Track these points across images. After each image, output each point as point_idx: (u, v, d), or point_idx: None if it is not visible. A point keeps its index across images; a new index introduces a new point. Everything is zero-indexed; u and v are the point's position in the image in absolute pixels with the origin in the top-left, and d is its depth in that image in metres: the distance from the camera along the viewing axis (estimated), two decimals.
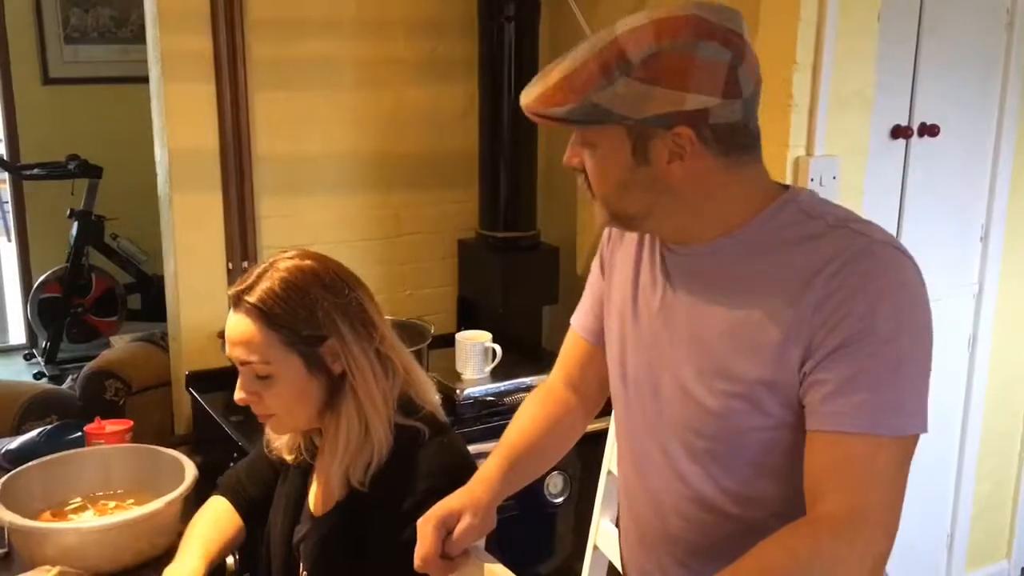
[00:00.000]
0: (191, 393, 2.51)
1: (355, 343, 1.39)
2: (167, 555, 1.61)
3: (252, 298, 1.37)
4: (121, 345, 3.42)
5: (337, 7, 2.59)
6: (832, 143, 2.16)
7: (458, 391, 2.35)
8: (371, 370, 1.40)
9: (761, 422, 1.15)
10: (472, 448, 1.59)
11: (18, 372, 4.71)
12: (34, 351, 4.85)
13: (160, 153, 2.56)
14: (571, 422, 1.45)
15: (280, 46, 2.52)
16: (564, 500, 2.35)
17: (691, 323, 1.20)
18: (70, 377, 3.73)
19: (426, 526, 1.20)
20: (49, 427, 2.15)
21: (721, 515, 1.21)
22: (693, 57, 1.07)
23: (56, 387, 3.46)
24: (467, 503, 1.23)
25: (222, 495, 1.64)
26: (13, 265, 5.00)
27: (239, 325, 1.39)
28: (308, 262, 1.42)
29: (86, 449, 1.88)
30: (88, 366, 3.11)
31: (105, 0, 4.69)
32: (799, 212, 1.16)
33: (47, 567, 1.51)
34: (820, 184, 2.12)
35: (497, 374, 2.42)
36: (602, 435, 1.85)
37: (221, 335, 2.51)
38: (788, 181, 2.09)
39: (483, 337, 2.43)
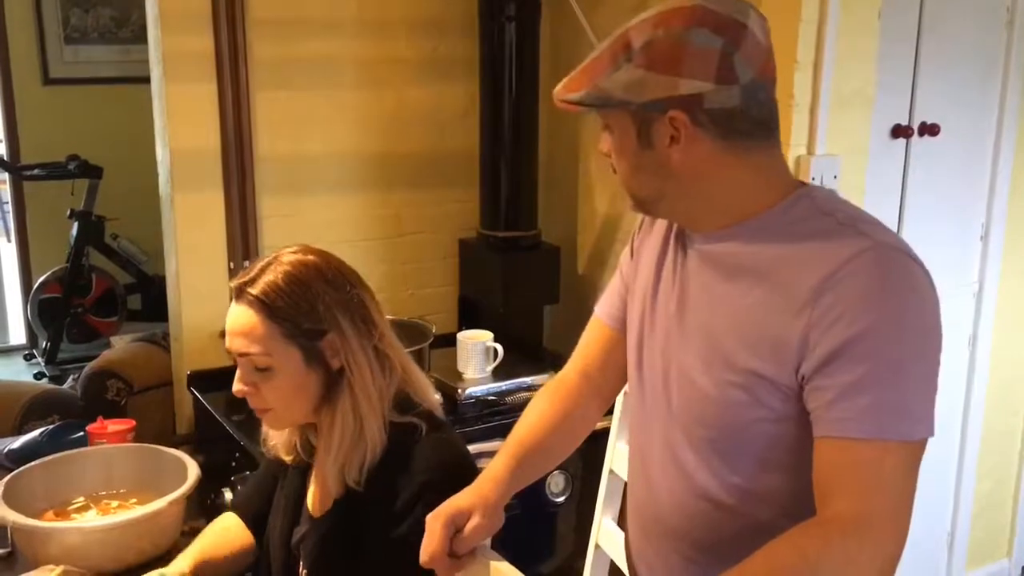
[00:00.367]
0: (193, 393, 2.52)
1: (354, 339, 1.40)
2: (170, 555, 1.61)
3: (255, 290, 1.38)
4: (122, 345, 3.42)
5: (338, 7, 2.59)
6: (833, 142, 2.17)
7: (460, 391, 2.35)
8: (368, 367, 1.41)
9: (762, 414, 1.15)
10: (473, 448, 1.59)
11: (18, 372, 4.71)
12: (34, 351, 4.85)
13: (162, 153, 2.56)
14: (582, 416, 1.44)
15: (281, 46, 2.53)
16: (566, 499, 2.36)
17: (700, 312, 1.21)
18: (71, 377, 3.74)
19: (435, 523, 1.20)
20: (51, 427, 2.15)
21: (726, 510, 1.21)
22: (684, 44, 1.11)
23: (58, 387, 3.46)
24: (476, 502, 1.23)
25: (233, 511, 1.65)
26: (13, 265, 5.00)
27: (241, 316, 1.39)
28: (311, 257, 1.43)
29: (89, 449, 1.88)
30: (90, 366, 3.11)
31: (105, 0, 4.69)
32: (812, 208, 1.16)
33: (50, 566, 1.51)
34: (821, 183, 2.12)
35: (498, 374, 2.42)
36: (604, 434, 1.85)
37: (223, 335, 2.54)
38: None
39: (484, 336, 2.43)
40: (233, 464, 2.18)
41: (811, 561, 1.03)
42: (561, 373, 1.48)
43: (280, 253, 1.43)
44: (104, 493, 1.77)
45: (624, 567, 1.66)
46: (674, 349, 1.24)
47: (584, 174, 2.81)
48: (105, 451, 1.85)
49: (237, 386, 1.43)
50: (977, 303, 2.75)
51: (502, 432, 2.18)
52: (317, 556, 1.47)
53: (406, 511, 1.37)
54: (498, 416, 2.33)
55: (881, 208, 2.39)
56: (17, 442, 2.09)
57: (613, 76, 1.13)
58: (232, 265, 2.54)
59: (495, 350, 2.42)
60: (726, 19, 1.12)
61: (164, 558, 1.60)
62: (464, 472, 1.43)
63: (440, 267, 2.87)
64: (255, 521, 1.62)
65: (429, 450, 1.41)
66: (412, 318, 2.55)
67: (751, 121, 1.15)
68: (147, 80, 2.59)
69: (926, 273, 1.11)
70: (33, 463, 1.74)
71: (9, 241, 5.48)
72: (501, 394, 2.39)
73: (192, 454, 1.78)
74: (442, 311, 2.85)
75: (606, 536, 1.78)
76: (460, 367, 2.43)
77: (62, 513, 1.71)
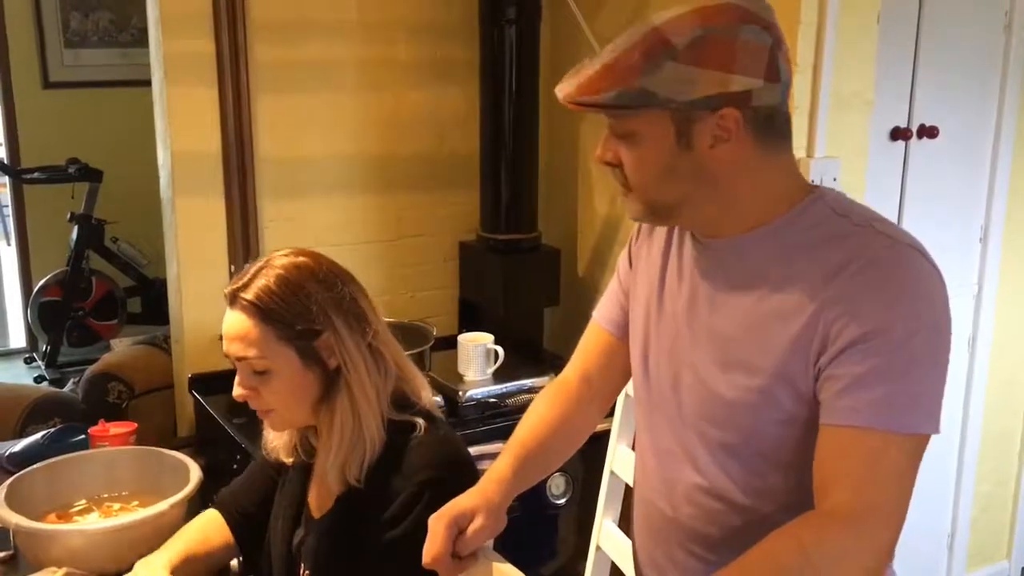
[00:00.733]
0: (194, 395, 2.52)
1: (349, 337, 1.41)
2: None
3: (248, 295, 1.39)
4: (123, 348, 3.43)
5: (339, 10, 2.59)
6: (832, 145, 2.17)
7: (460, 393, 2.35)
8: (364, 364, 1.42)
9: (776, 416, 1.16)
10: (474, 450, 1.59)
11: (18, 376, 4.71)
12: (34, 355, 4.85)
13: (162, 156, 2.57)
14: (583, 419, 1.45)
15: (282, 49, 2.53)
16: (566, 501, 2.36)
17: (713, 316, 1.21)
18: (72, 380, 3.74)
19: (438, 524, 1.21)
20: (52, 430, 2.15)
21: (733, 506, 1.23)
22: (736, 40, 1.10)
23: (59, 390, 3.46)
24: (479, 504, 1.24)
25: (215, 508, 1.64)
26: (13, 269, 5.00)
27: (236, 322, 1.40)
28: (302, 259, 1.44)
29: (91, 451, 1.88)
30: (91, 369, 3.12)
31: (105, 4, 4.70)
32: (827, 210, 1.17)
33: (53, 569, 1.51)
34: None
35: (499, 376, 2.43)
36: (604, 436, 1.85)
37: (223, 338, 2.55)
38: None
39: (485, 339, 2.44)
40: (235, 467, 2.18)
41: (809, 553, 1.05)
42: (561, 376, 1.49)
43: (271, 257, 1.44)
44: (106, 495, 1.77)
45: (625, 569, 1.66)
46: (684, 353, 1.25)
47: (584, 176, 2.81)
48: (107, 454, 1.85)
49: (237, 390, 1.44)
50: (976, 305, 2.75)
51: (503, 434, 2.18)
52: (318, 556, 1.47)
53: (407, 509, 1.37)
54: (499, 418, 2.33)
55: (880, 210, 2.34)
56: (19, 445, 2.09)
57: (654, 74, 1.09)
58: (233, 268, 2.54)
59: (496, 352, 2.42)
60: (765, 18, 1.12)
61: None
62: (463, 470, 1.44)
63: (440, 269, 2.87)
64: (240, 522, 1.61)
65: (429, 448, 1.42)
66: (412, 321, 2.55)
67: (784, 120, 1.16)
68: (147, 83, 2.59)
69: (940, 273, 1.13)
70: (35, 466, 1.74)
71: (9, 244, 5.49)
72: (502, 396, 2.39)
73: (193, 456, 1.78)
74: (442, 313, 2.86)
75: (607, 538, 1.78)
76: (461, 369, 2.43)
77: (64, 516, 1.71)
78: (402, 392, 1.47)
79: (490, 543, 1.29)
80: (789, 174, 1.20)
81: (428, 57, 2.73)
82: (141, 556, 1.59)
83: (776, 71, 1.13)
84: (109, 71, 4.68)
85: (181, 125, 2.47)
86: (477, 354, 2.41)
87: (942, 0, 2.44)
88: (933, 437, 1.11)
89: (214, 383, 2.48)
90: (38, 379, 4.55)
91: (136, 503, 1.74)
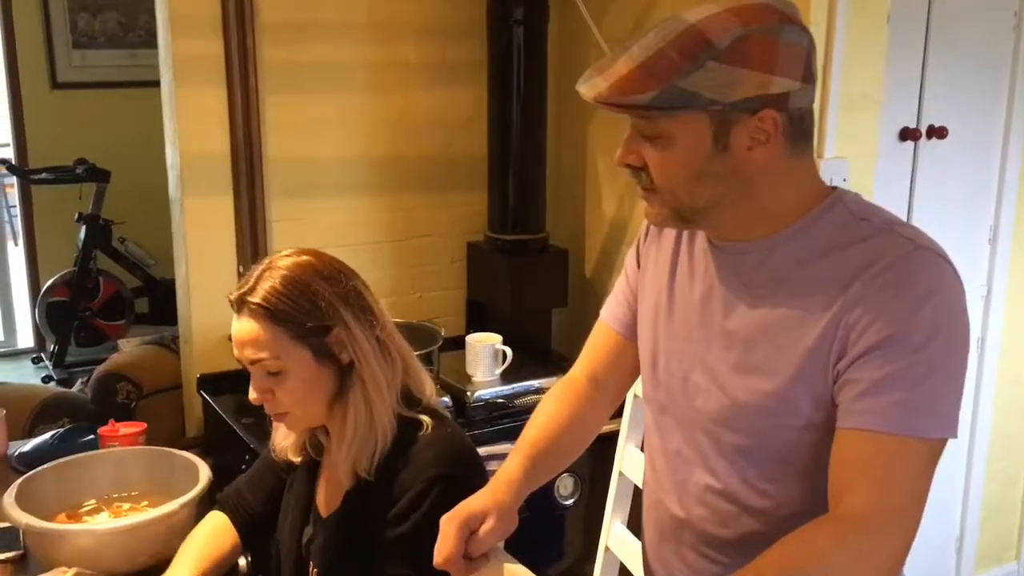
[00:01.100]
0: (202, 396, 2.52)
1: (358, 330, 1.41)
2: None
3: (255, 298, 1.39)
4: (132, 348, 3.43)
5: (347, 11, 2.59)
6: (842, 145, 2.17)
7: (468, 393, 2.35)
8: (374, 357, 1.42)
9: (792, 421, 1.16)
10: (482, 451, 1.59)
11: (26, 376, 4.72)
12: (42, 355, 4.87)
13: (171, 157, 2.57)
14: (592, 417, 1.45)
15: (291, 50, 2.54)
16: (574, 502, 2.36)
17: (729, 319, 1.21)
18: (80, 380, 3.74)
19: (449, 526, 1.21)
20: (61, 430, 2.16)
21: (745, 508, 1.22)
22: (778, 40, 1.09)
23: (67, 390, 3.47)
24: (491, 505, 1.23)
25: (220, 510, 1.64)
26: (21, 269, 5.01)
27: (245, 326, 1.40)
28: (305, 257, 1.44)
29: (100, 451, 1.89)
30: (99, 369, 3.12)
31: (113, 5, 4.71)
32: (847, 213, 1.17)
33: (63, 569, 1.52)
34: None
35: (507, 376, 2.43)
36: (613, 437, 1.85)
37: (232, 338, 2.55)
38: None
39: (493, 339, 2.43)
40: (243, 466, 2.17)
41: (822, 558, 1.05)
42: (568, 376, 1.49)
43: (273, 259, 1.44)
44: (116, 496, 1.78)
45: (635, 570, 1.66)
46: (697, 355, 1.25)
47: (592, 177, 2.81)
48: (116, 454, 1.85)
49: (253, 394, 1.44)
50: (985, 306, 2.74)
51: (511, 435, 2.18)
52: (326, 553, 1.47)
53: (415, 505, 1.37)
54: (507, 419, 2.33)
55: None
56: (28, 445, 2.10)
57: (696, 75, 1.07)
58: (241, 269, 2.54)
59: (504, 353, 2.42)
60: (799, 18, 1.12)
61: (173, 561, 1.60)
62: (472, 467, 1.45)
63: (448, 270, 2.87)
64: (246, 521, 1.62)
65: (437, 444, 1.42)
66: (420, 321, 2.55)
67: (811, 123, 1.16)
68: (155, 84, 2.59)
69: (959, 277, 1.13)
70: (45, 466, 1.75)
71: (17, 245, 5.50)
72: (510, 397, 2.39)
73: (201, 456, 1.79)
74: (450, 314, 2.86)
75: (616, 539, 1.78)
76: (469, 370, 2.43)
77: (74, 516, 1.72)
78: (408, 388, 1.48)
79: (501, 544, 1.29)
80: (812, 176, 1.19)
81: (436, 58, 2.73)
82: (151, 556, 1.60)
83: (811, 73, 1.12)
84: (117, 72, 4.69)
85: (190, 126, 2.48)
86: (485, 355, 2.41)
87: (951, 0, 2.43)
88: (956, 438, 1.11)
89: (222, 383, 2.48)
90: (45, 379, 4.56)
91: (146, 503, 1.75)
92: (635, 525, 1.61)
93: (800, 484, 1.18)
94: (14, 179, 4.95)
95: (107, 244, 4.56)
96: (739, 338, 1.19)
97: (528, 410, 2.29)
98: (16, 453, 2.07)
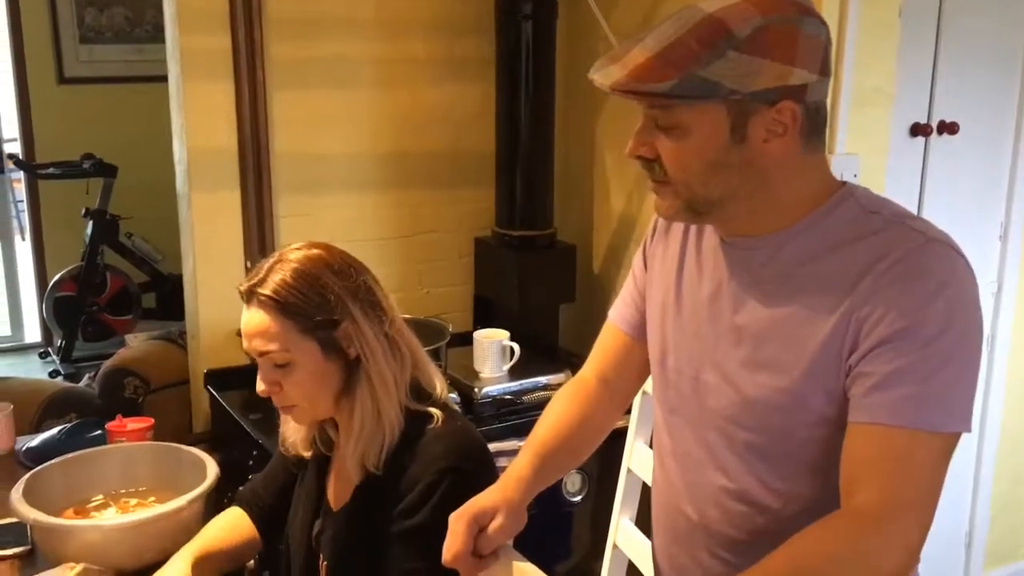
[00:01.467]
0: (210, 391, 2.52)
1: (367, 325, 1.41)
2: None
3: (265, 290, 1.39)
4: (139, 343, 3.43)
5: (355, 6, 2.59)
6: (853, 141, 2.16)
7: (476, 389, 2.35)
8: (382, 352, 1.42)
9: (805, 417, 1.15)
10: (491, 447, 1.58)
11: (33, 370, 4.73)
12: (49, 350, 4.88)
13: (179, 152, 2.57)
14: (601, 418, 1.44)
15: (298, 45, 2.53)
16: (582, 499, 2.35)
17: (739, 315, 1.20)
18: (87, 375, 3.75)
19: (459, 523, 1.20)
20: (69, 425, 2.16)
21: (758, 508, 1.21)
22: (799, 31, 1.08)
23: (75, 385, 3.47)
24: (500, 502, 1.23)
25: (238, 506, 1.65)
26: (28, 264, 5.02)
27: (255, 318, 1.40)
28: (316, 251, 1.44)
29: (108, 447, 1.88)
30: (107, 364, 3.13)
31: (119, 0, 4.71)
32: (857, 207, 1.16)
33: (70, 564, 1.51)
34: None
35: (515, 372, 2.42)
36: (621, 434, 1.84)
37: (240, 333, 2.55)
38: None
39: (501, 335, 2.43)
40: (250, 462, 2.18)
41: (833, 556, 1.04)
42: (578, 376, 1.48)
43: (284, 251, 1.44)
44: (123, 491, 1.78)
45: (643, 568, 1.65)
46: (707, 353, 1.24)
47: (600, 173, 2.80)
48: (124, 449, 1.85)
49: (261, 386, 1.44)
50: (996, 303, 2.73)
51: (519, 431, 2.18)
52: (336, 546, 1.47)
53: (425, 497, 1.37)
54: (515, 416, 2.32)
55: None
56: (35, 440, 2.10)
57: (716, 64, 1.05)
58: (249, 264, 2.54)
59: (512, 349, 2.41)
60: (816, 11, 1.11)
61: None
62: (482, 460, 1.45)
63: (456, 266, 2.86)
64: (262, 516, 1.62)
65: (447, 438, 1.42)
66: (428, 317, 2.55)
67: (825, 116, 1.15)
68: (162, 79, 2.59)
69: (972, 270, 1.12)
70: (52, 461, 1.75)
71: (24, 240, 5.51)
72: (518, 393, 2.38)
73: (209, 452, 1.79)
74: (458, 310, 2.85)
75: (624, 536, 1.77)
76: (476, 366, 2.42)
77: (81, 511, 1.71)
78: (418, 382, 1.48)
79: (510, 542, 1.28)
80: (823, 171, 1.18)
81: (444, 53, 2.72)
82: (158, 552, 1.60)
83: (828, 66, 1.12)
84: (124, 67, 4.69)
85: (197, 121, 2.47)
86: (493, 351, 2.40)
87: None
88: (969, 432, 1.10)
89: (230, 378, 2.48)
90: (53, 374, 4.57)
91: (153, 499, 1.75)
92: (643, 522, 1.60)
93: (814, 482, 1.17)
94: (21, 174, 4.96)
95: (114, 239, 4.56)
96: (749, 334, 1.18)
97: (536, 406, 2.31)
98: (23, 448, 2.07)
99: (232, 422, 2.34)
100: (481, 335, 2.44)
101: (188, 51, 2.43)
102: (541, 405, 2.27)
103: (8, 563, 1.65)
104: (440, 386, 1.51)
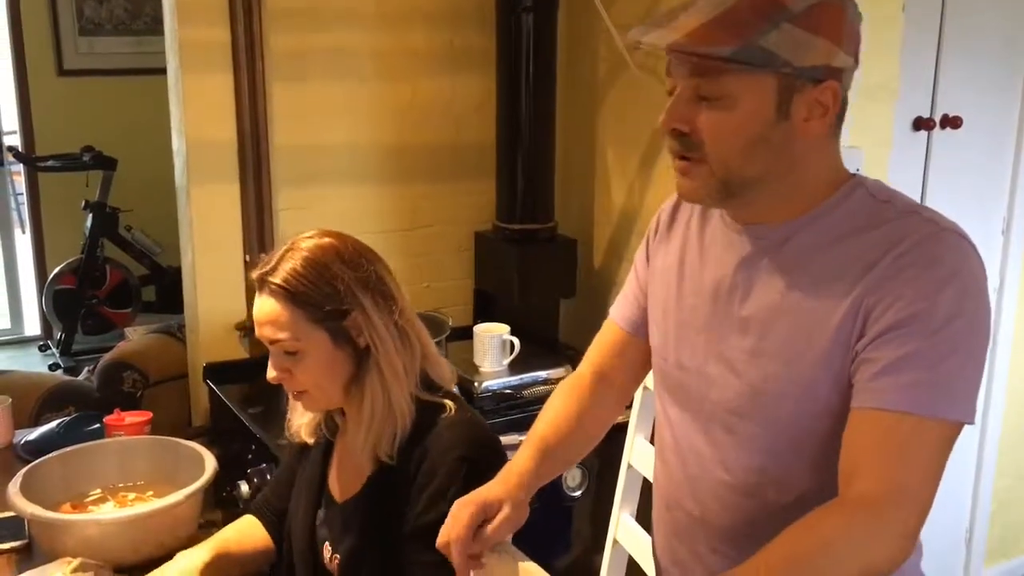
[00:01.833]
0: (209, 385, 2.51)
1: (377, 316, 1.41)
2: (187, 547, 1.60)
3: (276, 279, 1.39)
4: (138, 337, 3.43)
5: None
6: (856, 135, 2.14)
7: (476, 384, 2.34)
8: (392, 342, 1.42)
9: (810, 407, 1.14)
10: None
11: (33, 363, 4.72)
12: (49, 342, 4.87)
13: (177, 144, 2.56)
14: (600, 413, 1.44)
15: (298, 37, 2.52)
16: (582, 494, 2.34)
17: (745, 305, 1.19)
18: (86, 368, 3.75)
19: (463, 509, 1.19)
20: (67, 418, 2.15)
21: (760, 502, 1.21)
22: (845, 14, 1.09)
23: (74, 379, 3.47)
24: (504, 495, 1.22)
25: (251, 514, 1.65)
26: (28, 257, 5.02)
27: (266, 306, 1.41)
28: (327, 239, 1.44)
29: (106, 441, 1.88)
30: (106, 357, 3.12)
31: None
32: (868, 197, 1.16)
33: (68, 559, 1.51)
34: None
35: (515, 367, 2.41)
36: (622, 429, 1.84)
37: (239, 327, 2.54)
38: None
39: (501, 330, 2.42)
40: (249, 456, 2.17)
41: (831, 544, 1.04)
42: (576, 372, 1.48)
43: (297, 239, 1.45)
44: (121, 485, 1.77)
45: (643, 563, 1.65)
46: (713, 345, 1.23)
47: (601, 166, 2.79)
48: (122, 443, 1.84)
49: (271, 373, 1.44)
50: (998, 298, 2.72)
51: (519, 426, 2.17)
52: (347, 537, 1.46)
53: (445, 488, 1.37)
54: (515, 410, 2.31)
55: None
56: (34, 434, 2.09)
57: (772, 34, 1.05)
58: (248, 257, 2.53)
59: (512, 343, 2.41)
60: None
61: (181, 550, 1.59)
62: (496, 449, 1.45)
63: (456, 260, 2.86)
64: (275, 523, 1.62)
65: (461, 427, 1.42)
66: (428, 311, 2.54)
67: (847, 104, 1.15)
68: (162, 71, 2.58)
69: (982, 261, 1.12)
70: (50, 455, 1.74)
71: (24, 232, 5.50)
72: (518, 387, 2.37)
73: (207, 446, 1.78)
74: (458, 304, 2.85)
75: (624, 531, 1.77)
76: (476, 360, 2.42)
77: (79, 505, 1.71)
78: (426, 374, 1.48)
79: (509, 538, 1.27)
80: (839, 160, 1.19)
81: (444, 46, 2.71)
82: (156, 546, 1.59)
83: (859, 56, 1.12)
84: (123, 59, 4.68)
85: (196, 113, 2.46)
86: (493, 345, 2.40)
87: None
88: (972, 424, 1.09)
89: (229, 372, 2.48)
90: (52, 367, 4.56)
91: (151, 493, 1.74)
92: (644, 518, 1.59)
93: (815, 475, 1.17)
94: (21, 166, 4.95)
95: (114, 232, 4.56)
96: (757, 324, 1.18)
97: (536, 401, 2.30)
98: (22, 442, 2.06)
99: (231, 416, 2.33)
100: (481, 329, 2.43)
101: (187, 43, 2.41)
102: (541, 400, 2.27)
103: (5, 557, 1.64)
104: (449, 377, 1.52)
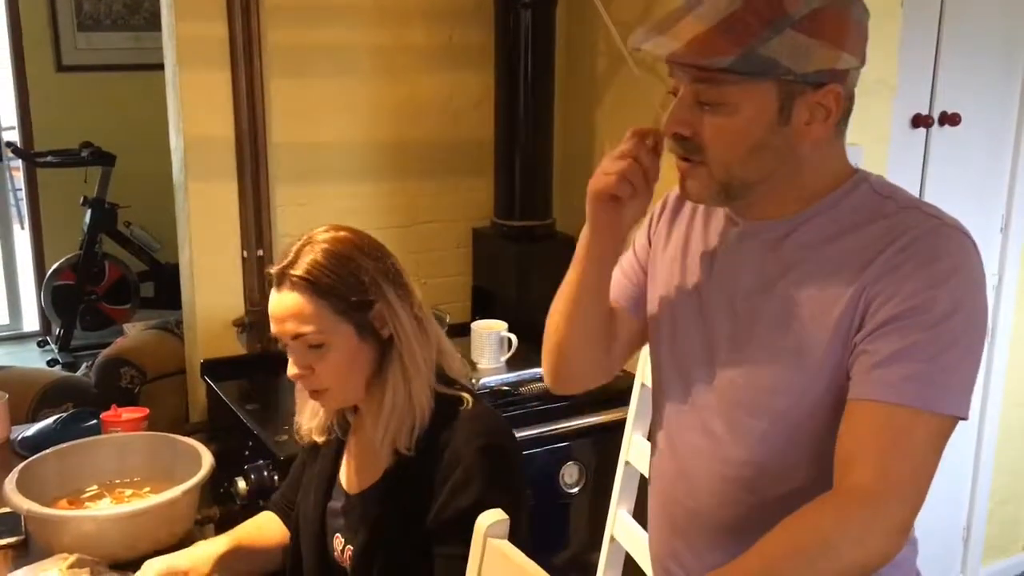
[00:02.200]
0: (206, 381, 2.51)
1: (399, 306, 1.41)
2: (184, 543, 1.61)
3: (298, 271, 1.37)
4: (136, 333, 3.43)
5: None
6: (855, 132, 2.11)
7: (474, 380, 2.33)
8: (413, 333, 1.42)
9: (812, 399, 1.15)
10: None
11: (32, 359, 4.72)
12: (48, 338, 4.87)
13: (175, 141, 2.55)
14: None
15: (296, 33, 2.51)
16: (579, 491, 2.34)
17: (750, 299, 1.19)
18: (85, 364, 3.75)
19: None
20: (64, 414, 2.15)
21: (757, 494, 1.21)
22: (850, 16, 1.09)
23: (71, 375, 3.47)
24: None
25: (271, 509, 1.66)
26: (27, 253, 5.01)
27: (288, 300, 1.38)
28: (344, 232, 1.44)
29: (103, 437, 1.88)
30: (103, 353, 3.12)
31: None
32: (871, 192, 1.17)
33: (64, 555, 1.51)
34: None
35: (513, 363, 2.41)
36: (619, 426, 1.84)
37: (236, 323, 2.54)
38: None
39: (499, 326, 2.42)
40: (246, 453, 2.17)
41: (827, 536, 1.04)
42: None
43: (312, 234, 1.43)
44: (118, 481, 1.77)
45: (640, 560, 1.65)
46: (716, 338, 1.23)
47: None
48: (119, 439, 1.85)
49: (292, 370, 1.42)
50: (996, 295, 2.72)
51: (516, 422, 2.17)
52: (363, 529, 1.46)
53: (470, 477, 1.36)
54: (512, 407, 2.31)
55: None
56: (31, 429, 2.09)
57: (774, 41, 1.05)
58: (246, 254, 2.53)
59: (509, 340, 2.40)
60: None
61: (178, 547, 1.59)
62: (513, 441, 1.47)
63: (454, 256, 2.85)
64: (288, 514, 1.62)
65: (482, 418, 1.43)
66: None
67: (853, 103, 1.15)
68: (161, 67, 2.57)
69: (981, 257, 1.12)
70: (47, 451, 1.74)
71: (23, 228, 5.49)
72: (515, 384, 2.37)
73: (205, 442, 1.78)
74: (456, 300, 2.84)
75: (621, 528, 1.77)
76: (474, 357, 2.41)
77: (76, 501, 1.71)
78: (440, 366, 1.48)
79: (505, 535, 1.27)
80: (843, 156, 1.20)
81: (443, 42, 2.71)
82: (152, 542, 1.59)
83: (865, 54, 1.13)
84: (122, 55, 4.67)
85: (194, 109, 2.45)
86: (491, 341, 2.39)
87: None
88: (967, 420, 1.10)
89: (226, 368, 2.47)
90: (51, 363, 4.56)
91: (148, 489, 1.74)
92: (641, 515, 1.59)
93: (812, 470, 1.17)
94: (19, 162, 4.94)
95: (113, 228, 4.56)
96: (755, 316, 1.18)
97: (533, 397, 2.30)
98: (19, 438, 2.06)
99: (228, 412, 2.33)
100: (479, 326, 2.43)
101: (184, 39, 2.41)
102: (539, 396, 2.30)
103: (1, 553, 1.64)
104: (464, 370, 1.52)
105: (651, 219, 1.39)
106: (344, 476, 1.54)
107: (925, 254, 1.08)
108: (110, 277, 4.66)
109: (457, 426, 1.41)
